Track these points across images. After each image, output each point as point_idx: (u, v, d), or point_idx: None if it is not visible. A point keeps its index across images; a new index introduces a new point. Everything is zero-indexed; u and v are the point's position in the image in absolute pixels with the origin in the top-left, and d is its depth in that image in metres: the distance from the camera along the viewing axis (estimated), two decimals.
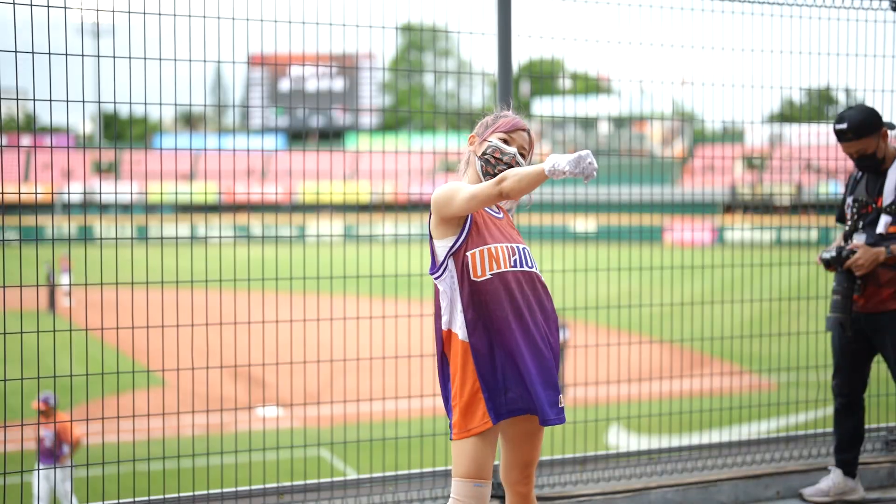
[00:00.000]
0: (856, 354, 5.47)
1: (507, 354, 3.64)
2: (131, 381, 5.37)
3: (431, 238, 3.73)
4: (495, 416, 3.63)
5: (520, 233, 3.91)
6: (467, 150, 3.91)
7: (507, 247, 3.71)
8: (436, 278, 3.70)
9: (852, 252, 5.21)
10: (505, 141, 3.82)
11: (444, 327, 3.70)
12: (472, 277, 3.63)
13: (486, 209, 3.78)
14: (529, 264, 3.74)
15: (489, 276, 3.64)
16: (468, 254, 3.64)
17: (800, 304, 7.04)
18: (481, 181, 3.79)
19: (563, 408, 3.72)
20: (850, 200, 5.43)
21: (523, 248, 3.77)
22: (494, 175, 3.74)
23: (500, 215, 3.85)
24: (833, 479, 5.62)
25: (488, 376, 3.63)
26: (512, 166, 3.76)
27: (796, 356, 7.12)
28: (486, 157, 3.80)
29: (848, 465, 5.60)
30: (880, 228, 5.27)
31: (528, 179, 3.43)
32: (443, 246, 3.68)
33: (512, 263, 3.69)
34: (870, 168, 5.32)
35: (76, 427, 10.07)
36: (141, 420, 5.52)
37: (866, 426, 6.67)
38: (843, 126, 5.24)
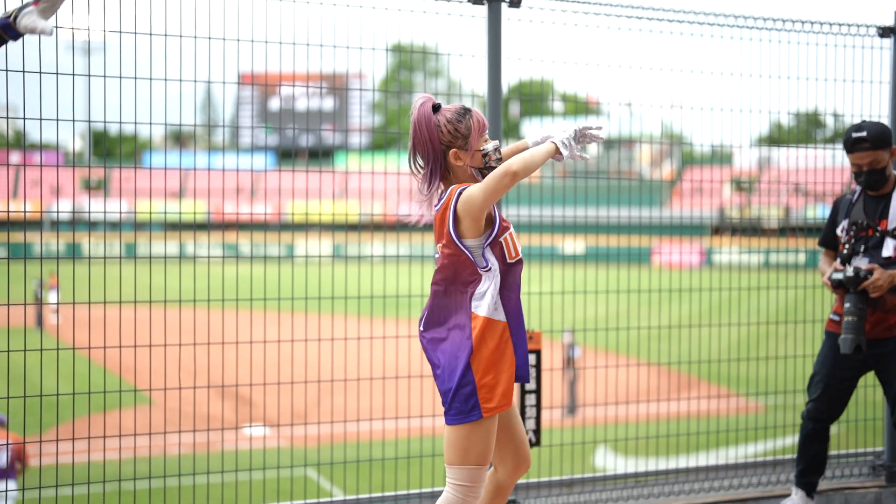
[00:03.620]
0: (846, 382, 5.42)
1: (521, 329, 3.82)
2: (118, 400, 5.35)
3: (461, 243, 3.74)
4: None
5: None
6: (455, 166, 3.83)
7: (512, 228, 3.90)
8: (485, 271, 3.75)
9: (870, 273, 5.15)
10: (486, 140, 3.87)
11: (483, 314, 3.73)
12: (508, 260, 3.78)
13: None
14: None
15: (519, 257, 3.82)
16: (501, 240, 3.77)
17: (787, 327, 7.06)
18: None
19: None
20: (845, 224, 5.34)
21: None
22: (494, 164, 3.85)
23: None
24: (798, 500, 5.58)
25: (520, 354, 3.78)
26: (500, 158, 3.86)
27: (783, 379, 7.14)
28: (488, 166, 3.84)
29: (813, 487, 5.58)
30: (888, 252, 5.20)
31: (536, 164, 3.67)
32: (478, 244, 3.75)
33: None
34: (875, 185, 5.24)
35: (28, 448, 9.98)
36: (127, 439, 5.49)
37: (854, 450, 6.69)
38: (863, 134, 5.18)
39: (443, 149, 3.81)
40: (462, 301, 3.78)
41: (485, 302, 3.75)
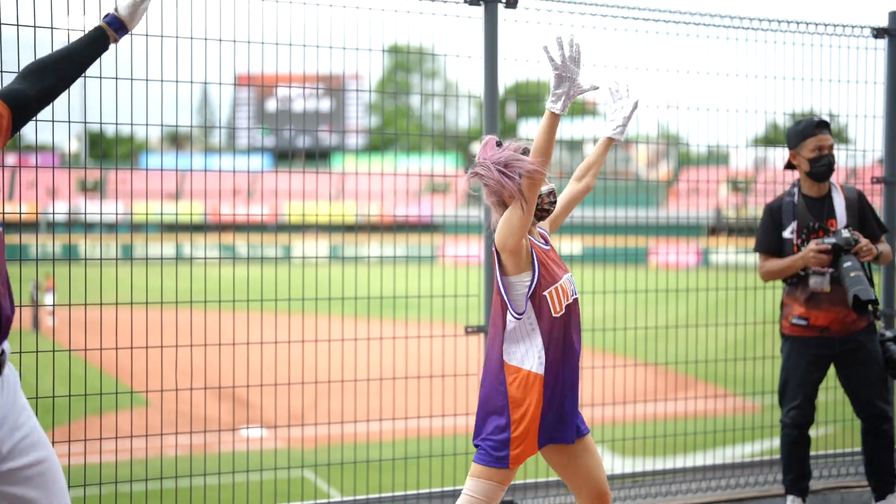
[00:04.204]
0: (818, 382, 5.49)
1: (562, 385, 3.71)
2: (114, 402, 5.35)
3: (504, 279, 3.69)
4: (540, 443, 3.70)
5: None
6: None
7: (567, 278, 3.77)
8: (518, 317, 3.67)
9: (857, 238, 5.20)
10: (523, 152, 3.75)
11: (513, 362, 3.68)
12: (553, 314, 3.66)
13: (537, 242, 3.77)
14: (574, 292, 3.80)
15: (563, 312, 3.69)
16: (545, 293, 3.66)
17: None
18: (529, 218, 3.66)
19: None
20: (793, 226, 5.41)
21: (570, 276, 3.82)
22: (546, 212, 3.81)
23: (548, 247, 3.86)
24: None
25: (546, 407, 3.67)
26: (553, 202, 3.82)
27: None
28: (542, 210, 3.81)
29: (807, 490, 5.59)
30: None
31: (542, 141, 3.51)
32: (519, 282, 3.67)
33: (571, 292, 3.76)
34: (829, 172, 5.36)
35: None
36: (124, 441, 5.48)
37: (849, 449, 6.70)
38: (825, 118, 5.40)
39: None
40: (497, 343, 3.73)
41: (516, 346, 3.69)
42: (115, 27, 3.32)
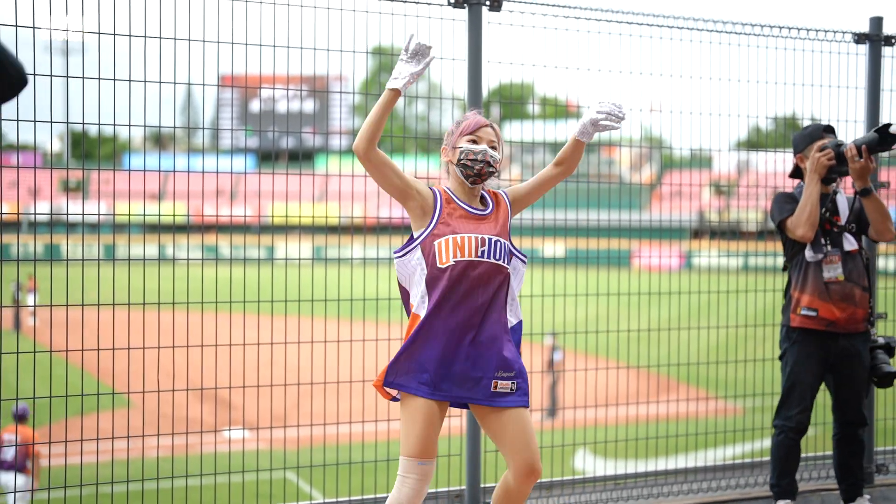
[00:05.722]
0: (818, 386, 5.52)
1: (458, 339, 3.89)
2: (96, 403, 5.32)
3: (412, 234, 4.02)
4: (432, 394, 3.89)
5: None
6: (444, 161, 4.11)
7: (479, 238, 3.93)
8: (398, 257, 3.98)
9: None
10: (473, 141, 4.03)
11: (411, 301, 3.99)
12: (438, 264, 3.89)
13: (465, 206, 4.01)
14: (490, 256, 3.94)
15: (452, 264, 3.88)
16: (434, 242, 3.90)
17: (766, 330, 7.09)
18: (465, 185, 4.04)
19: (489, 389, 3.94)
20: None
21: (492, 238, 3.96)
22: (477, 176, 4.00)
23: (481, 212, 4.05)
24: None
25: (434, 354, 3.89)
26: (488, 162, 3.99)
27: (762, 382, 7.17)
28: (462, 163, 4.02)
29: (796, 492, 5.61)
30: (849, 246, 5.45)
31: (373, 114, 3.82)
32: (416, 233, 3.96)
33: (476, 249, 3.91)
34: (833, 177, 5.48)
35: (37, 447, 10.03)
36: (105, 442, 5.46)
37: (830, 452, 6.73)
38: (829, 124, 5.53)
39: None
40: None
41: (412, 292, 3.99)
42: None
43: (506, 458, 3.98)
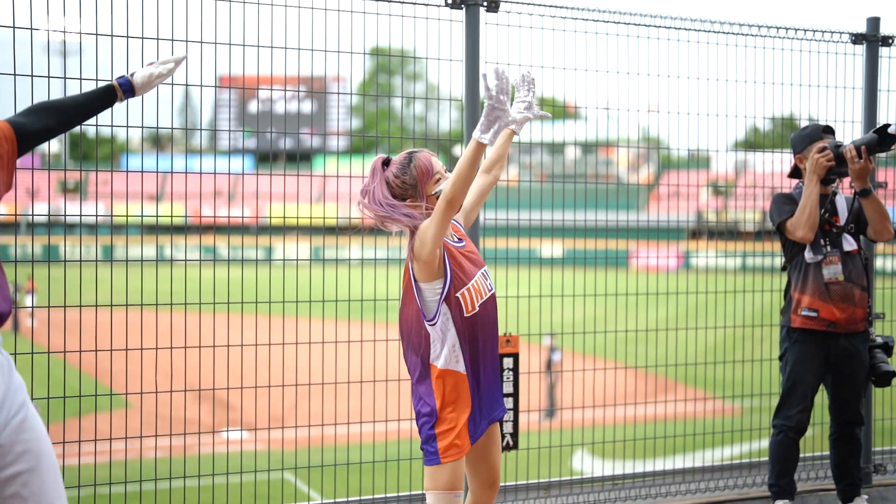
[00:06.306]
0: (818, 386, 5.53)
1: (485, 378, 3.85)
2: (94, 404, 5.32)
3: (417, 284, 3.78)
4: (474, 437, 3.81)
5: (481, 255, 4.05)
6: (420, 214, 3.84)
7: (482, 273, 3.88)
8: (430, 324, 3.76)
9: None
10: (438, 180, 3.88)
11: (434, 363, 3.77)
12: (465, 314, 3.76)
13: (448, 241, 3.85)
14: (490, 287, 3.90)
15: (477, 310, 3.78)
16: (457, 295, 3.75)
17: (763, 330, 7.10)
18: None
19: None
20: None
21: (485, 270, 3.93)
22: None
23: (463, 243, 3.94)
24: None
25: (475, 402, 3.81)
26: None
27: (760, 382, 7.17)
28: None
29: (795, 492, 5.61)
30: (849, 246, 5.47)
31: (468, 164, 3.57)
32: (430, 289, 3.76)
33: (487, 288, 3.86)
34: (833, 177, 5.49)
35: None
36: (104, 443, 5.46)
37: (826, 452, 6.73)
38: (825, 124, 5.55)
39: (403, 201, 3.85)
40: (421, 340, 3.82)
41: (434, 348, 3.77)
42: (125, 89, 3.56)
43: (475, 471, 4.01)
